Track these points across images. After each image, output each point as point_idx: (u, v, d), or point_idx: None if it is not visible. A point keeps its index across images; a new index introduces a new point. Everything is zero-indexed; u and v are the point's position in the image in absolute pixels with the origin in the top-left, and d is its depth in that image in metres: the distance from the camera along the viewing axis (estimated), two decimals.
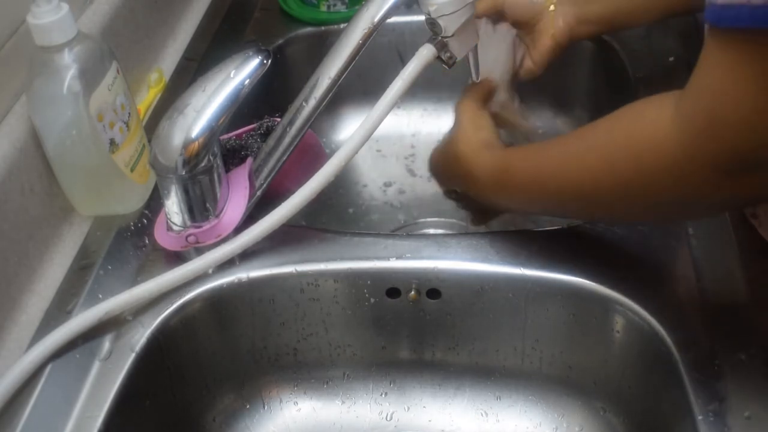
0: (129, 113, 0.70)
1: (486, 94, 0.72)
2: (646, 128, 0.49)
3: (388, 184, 1.00)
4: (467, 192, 0.69)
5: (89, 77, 0.65)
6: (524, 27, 0.76)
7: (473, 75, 0.70)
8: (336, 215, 0.96)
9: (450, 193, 0.75)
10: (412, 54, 0.64)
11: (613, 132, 0.53)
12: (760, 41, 0.41)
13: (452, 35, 0.63)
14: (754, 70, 0.42)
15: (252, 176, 0.68)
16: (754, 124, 0.43)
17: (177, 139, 0.61)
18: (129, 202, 0.72)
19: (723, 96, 0.44)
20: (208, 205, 0.65)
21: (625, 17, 0.76)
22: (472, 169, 0.65)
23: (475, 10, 0.65)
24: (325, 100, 0.65)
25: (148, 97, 0.86)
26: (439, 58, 0.64)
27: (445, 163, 0.70)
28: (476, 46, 0.67)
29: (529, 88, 0.79)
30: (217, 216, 0.66)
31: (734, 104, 0.43)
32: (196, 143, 0.61)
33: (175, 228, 0.66)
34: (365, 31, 0.64)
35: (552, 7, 0.75)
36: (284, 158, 0.68)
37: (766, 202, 0.60)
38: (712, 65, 0.45)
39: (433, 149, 0.73)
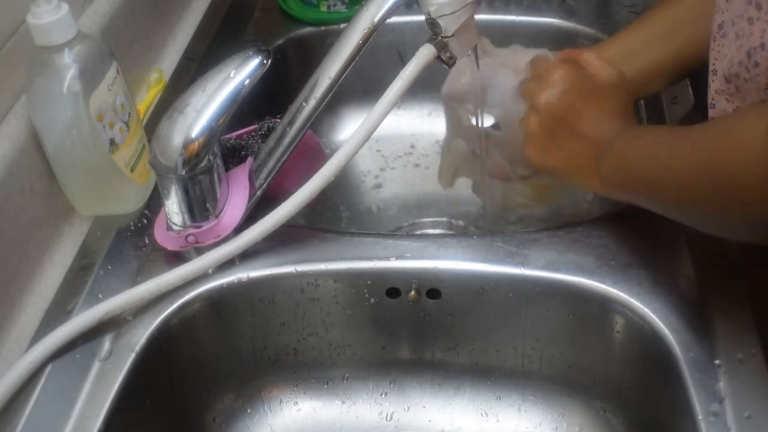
0: (129, 113, 0.70)
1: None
2: (741, 140, 0.48)
3: (387, 184, 1.00)
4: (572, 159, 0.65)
5: (89, 77, 0.65)
6: None
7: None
8: (336, 215, 0.96)
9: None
10: (412, 54, 0.64)
11: (712, 142, 0.51)
12: None
13: (452, 35, 0.63)
14: None
15: (252, 176, 0.68)
16: None
17: (177, 139, 0.61)
18: (129, 202, 0.72)
19: None
20: (208, 205, 0.65)
21: (651, 79, 0.72)
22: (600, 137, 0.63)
23: None
24: (325, 100, 0.65)
25: (148, 97, 0.86)
26: (439, 58, 0.64)
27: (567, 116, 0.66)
28: (476, 46, 0.67)
29: None
30: (216, 216, 0.66)
31: None
32: (196, 143, 0.61)
33: (175, 228, 0.66)
34: (365, 31, 0.64)
35: None
36: (284, 158, 0.68)
37: None
38: None
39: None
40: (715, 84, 0.59)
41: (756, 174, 0.46)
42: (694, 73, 0.72)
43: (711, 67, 0.60)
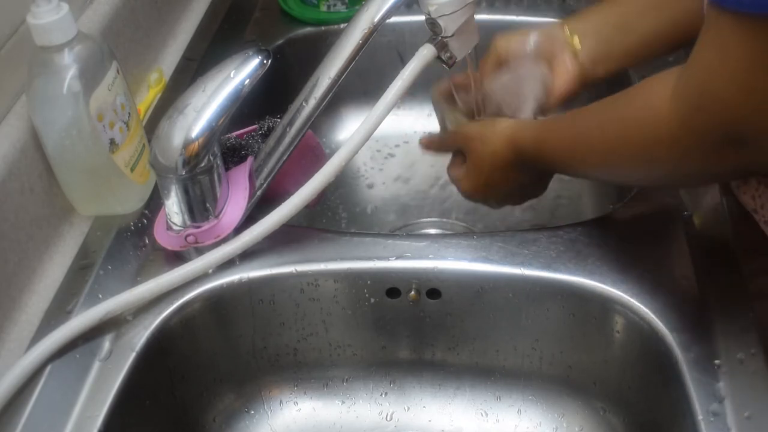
0: (129, 113, 0.70)
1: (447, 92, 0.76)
2: (652, 101, 0.53)
3: (387, 184, 1.00)
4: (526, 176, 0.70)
5: (89, 77, 0.65)
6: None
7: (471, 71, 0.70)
8: (336, 215, 0.96)
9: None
10: (412, 54, 0.64)
11: (625, 108, 0.56)
12: (759, 25, 0.43)
13: (452, 35, 0.63)
14: (747, 50, 0.44)
15: (252, 176, 0.68)
16: (742, 102, 0.45)
17: (177, 139, 0.61)
18: (129, 202, 0.72)
19: (716, 73, 0.46)
20: (207, 205, 0.65)
21: (648, 49, 0.73)
22: (518, 164, 0.68)
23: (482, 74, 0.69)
24: (325, 100, 0.65)
25: (148, 97, 0.86)
26: (439, 58, 0.64)
27: (493, 184, 0.72)
28: (476, 46, 0.67)
29: None
30: (216, 216, 0.66)
31: (726, 82, 0.46)
32: (196, 143, 0.61)
33: (175, 228, 0.66)
34: (365, 31, 0.64)
35: (578, 45, 0.73)
36: (284, 158, 0.68)
37: (753, 175, 0.62)
38: (709, 43, 0.47)
39: (467, 190, 0.74)
40: None
41: (663, 133, 0.51)
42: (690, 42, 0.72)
43: None
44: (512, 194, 0.73)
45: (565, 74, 0.72)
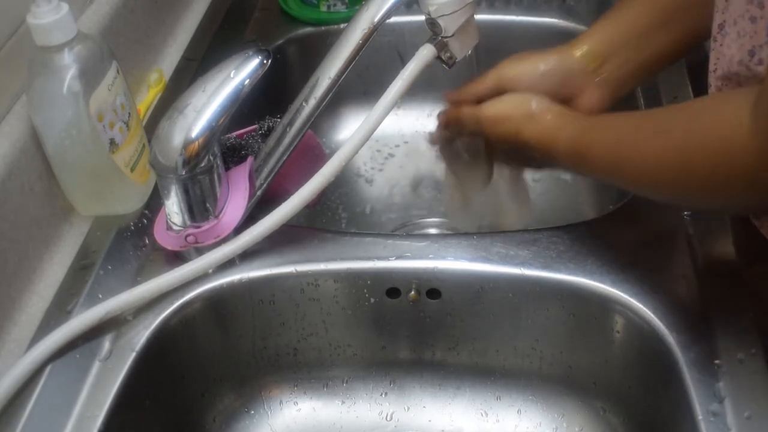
0: (129, 113, 0.70)
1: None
2: (723, 133, 0.49)
3: (387, 184, 1.00)
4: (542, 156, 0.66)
5: (89, 77, 0.64)
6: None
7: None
8: (336, 215, 0.96)
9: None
10: (412, 54, 0.64)
11: (690, 133, 0.52)
12: None
13: (452, 35, 0.63)
14: None
15: (252, 176, 0.68)
16: None
17: (177, 139, 0.61)
18: (129, 202, 0.72)
19: None
20: (207, 205, 0.65)
21: (664, 61, 0.71)
22: (550, 150, 0.64)
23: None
24: (325, 100, 0.65)
25: (148, 97, 0.86)
26: (439, 58, 0.64)
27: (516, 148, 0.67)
28: (476, 46, 0.67)
29: None
30: (216, 216, 0.66)
31: None
32: (196, 143, 0.61)
33: (175, 228, 0.66)
34: (365, 31, 0.64)
35: (601, 74, 0.69)
36: (284, 158, 0.68)
37: None
38: None
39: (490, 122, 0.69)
40: (715, 84, 0.59)
41: (738, 161, 0.47)
42: (690, 52, 0.71)
43: (711, 68, 0.60)
44: (514, 157, 0.70)
45: (592, 111, 0.69)
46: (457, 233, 0.91)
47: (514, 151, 0.69)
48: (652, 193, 0.59)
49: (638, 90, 0.81)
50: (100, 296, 0.64)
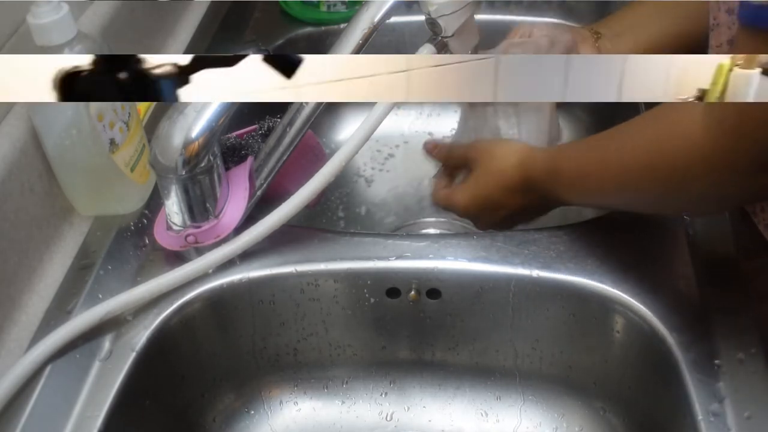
0: (129, 113, 0.70)
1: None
2: (680, 130, 0.51)
3: (387, 184, 1.00)
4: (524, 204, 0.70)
5: None
6: None
7: None
8: (335, 215, 0.96)
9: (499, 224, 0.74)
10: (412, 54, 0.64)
11: (649, 135, 0.55)
12: None
13: (452, 35, 0.63)
14: None
15: (252, 176, 0.68)
16: None
17: (177, 139, 0.61)
18: (129, 202, 0.72)
19: None
20: (207, 205, 0.65)
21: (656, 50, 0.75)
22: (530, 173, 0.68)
23: None
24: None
25: None
26: None
27: (493, 199, 0.71)
28: (476, 46, 0.67)
29: None
30: (216, 216, 0.66)
31: (763, 105, 0.44)
32: (196, 143, 0.61)
33: (175, 228, 0.66)
34: (365, 31, 0.64)
35: (599, 31, 0.78)
36: (284, 158, 0.68)
37: None
38: None
39: (461, 201, 0.73)
40: None
41: (697, 157, 0.50)
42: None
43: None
44: (507, 217, 0.72)
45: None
46: (457, 233, 0.91)
47: (501, 220, 0.73)
48: (617, 200, 0.63)
49: None
50: (100, 296, 0.64)
